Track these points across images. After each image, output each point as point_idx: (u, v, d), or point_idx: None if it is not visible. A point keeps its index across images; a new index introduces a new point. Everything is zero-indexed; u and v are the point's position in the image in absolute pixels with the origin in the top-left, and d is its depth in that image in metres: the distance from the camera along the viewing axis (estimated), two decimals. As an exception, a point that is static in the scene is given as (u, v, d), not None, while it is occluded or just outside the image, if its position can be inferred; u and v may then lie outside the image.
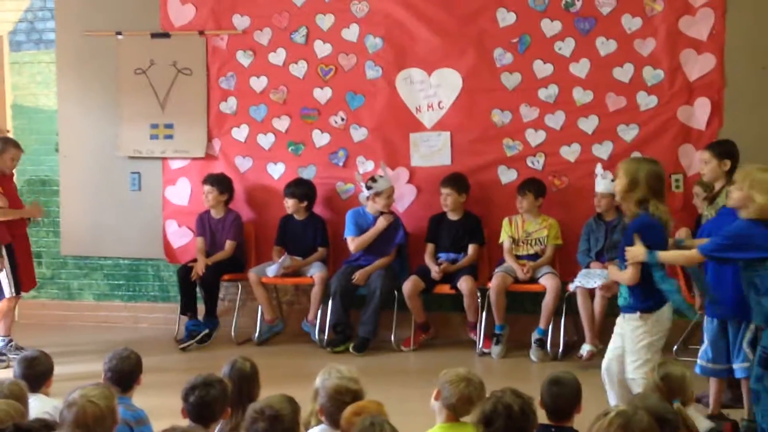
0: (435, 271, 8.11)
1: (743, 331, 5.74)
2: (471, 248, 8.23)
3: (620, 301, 5.43)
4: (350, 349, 8.03)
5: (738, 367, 5.79)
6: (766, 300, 5.11)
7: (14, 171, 8.19)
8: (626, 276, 5.26)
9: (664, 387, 4.21)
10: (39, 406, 4.47)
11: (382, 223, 8.30)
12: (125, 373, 4.76)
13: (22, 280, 7.90)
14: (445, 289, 8.16)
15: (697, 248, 5.27)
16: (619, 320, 5.47)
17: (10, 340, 7.93)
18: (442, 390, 4.21)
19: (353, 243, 8.40)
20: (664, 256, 5.21)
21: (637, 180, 5.26)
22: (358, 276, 8.24)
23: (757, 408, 5.13)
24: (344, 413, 3.92)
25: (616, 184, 5.50)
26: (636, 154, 8.04)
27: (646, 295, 5.25)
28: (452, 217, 8.28)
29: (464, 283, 8.01)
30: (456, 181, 8.23)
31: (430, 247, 8.31)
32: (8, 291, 7.78)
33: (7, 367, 7.43)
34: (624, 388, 5.33)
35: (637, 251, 5.19)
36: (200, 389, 4.11)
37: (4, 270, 7.73)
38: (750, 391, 5.44)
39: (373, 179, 8.35)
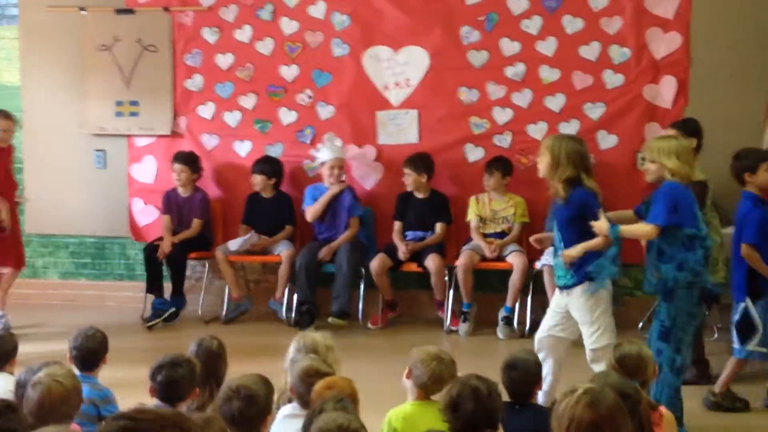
0: (402, 252, 8.11)
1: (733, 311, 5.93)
2: (438, 227, 8.23)
3: (559, 281, 5.53)
4: (329, 320, 7.96)
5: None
6: (665, 268, 5.22)
7: (11, 144, 8.10)
8: (600, 241, 5.33)
9: (621, 369, 4.21)
10: (2, 385, 4.43)
11: (332, 189, 8.27)
12: (91, 352, 4.71)
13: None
14: (413, 267, 8.17)
15: (647, 221, 5.31)
16: (558, 299, 5.57)
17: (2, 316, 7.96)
18: (413, 368, 4.21)
19: (308, 212, 8.40)
20: (625, 230, 5.31)
21: (559, 159, 5.38)
22: (323, 252, 8.22)
23: (657, 381, 5.18)
24: (316, 387, 3.94)
25: (539, 161, 5.56)
26: (602, 133, 8.11)
27: (588, 265, 5.36)
28: (419, 195, 8.27)
29: (431, 262, 8.02)
30: (415, 161, 8.21)
31: (397, 225, 8.31)
32: None
33: None
34: (558, 363, 5.54)
35: (603, 225, 5.28)
36: (167, 369, 4.08)
37: None
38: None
39: (317, 149, 8.37)
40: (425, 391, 4.19)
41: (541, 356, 5.39)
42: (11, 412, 3.22)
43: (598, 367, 5.31)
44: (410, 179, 8.19)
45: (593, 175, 5.50)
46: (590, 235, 5.34)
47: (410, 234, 8.26)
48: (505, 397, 4.08)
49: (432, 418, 3.97)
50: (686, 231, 5.19)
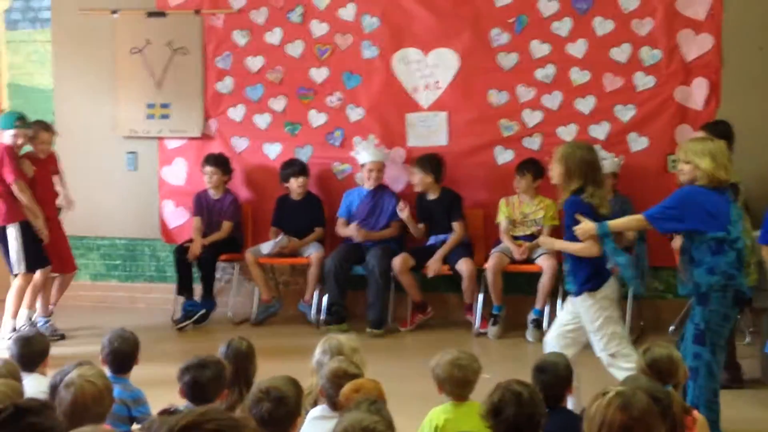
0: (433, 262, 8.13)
1: None
2: (455, 226, 8.20)
3: (567, 287, 5.58)
4: (367, 329, 7.97)
5: None
6: (696, 272, 5.19)
7: (52, 153, 8.16)
8: (580, 247, 5.35)
9: (652, 372, 4.17)
10: (35, 386, 4.45)
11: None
12: (124, 354, 4.74)
13: (40, 258, 7.85)
14: (443, 269, 8.14)
15: (643, 213, 5.33)
16: (569, 301, 5.61)
17: (48, 320, 8.08)
18: (436, 378, 4.29)
19: (340, 225, 8.47)
20: (614, 223, 5.32)
21: (570, 169, 5.39)
22: (359, 233, 8.28)
23: (694, 385, 5.15)
24: (343, 389, 3.97)
25: (552, 170, 5.57)
26: (633, 135, 8.07)
27: (586, 277, 5.38)
28: (430, 196, 8.26)
29: (464, 266, 8.00)
30: (421, 161, 8.19)
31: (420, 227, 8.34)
32: (16, 268, 7.74)
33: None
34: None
35: (586, 227, 5.28)
36: (194, 370, 4.09)
37: (14, 247, 7.70)
38: None
39: (356, 150, 8.43)
40: (456, 396, 4.22)
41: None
42: (49, 410, 3.23)
43: (616, 371, 5.31)
44: (417, 178, 8.19)
45: (602, 185, 5.48)
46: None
47: (432, 239, 8.24)
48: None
49: (474, 420, 3.98)
50: (711, 235, 5.15)
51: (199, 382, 4.08)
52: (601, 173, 5.53)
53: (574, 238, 5.39)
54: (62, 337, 7.97)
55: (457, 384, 4.25)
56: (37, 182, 7.89)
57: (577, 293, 5.44)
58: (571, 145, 5.75)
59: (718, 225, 5.16)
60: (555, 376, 4.29)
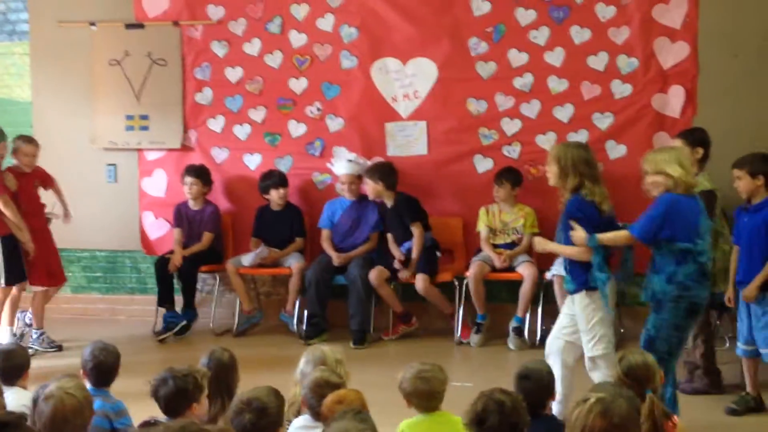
0: (398, 259, 8.16)
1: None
2: (414, 231, 8.13)
3: (566, 285, 5.64)
4: (351, 345, 7.93)
5: (765, 351, 5.99)
6: (656, 278, 5.28)
7: (39, 168, 8.12)
8: (574, 251, 5.43)
9: (630, 379, 4.19)
10: (16, 399, 4.44)
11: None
12: (108, 367, 4.73)
13: (29, 272, 7.86)
14: (411, 279, 8.12)
15: (628, 228, 5.41)
16: (568, 302, 5.66)
17: (43, 332, 8.04)
18: (403, 392, 4.32)
19: (325, 238, 8.47)
20: (603, 237, 5.37)
21: (566, 167, 5.44)
22: (338, 259, 8.25)
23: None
24: (325, 401, 3.98)
25: (548, 171, 5.64)
26: (611, 143, 8.11)
27: (585, 275, 5.44)
28: (388, 204, 8.27)
29: (419, 283, 8.02)
30: (371, 170, 8.21)
31: (390, 236, 8.33)
32: None
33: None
34: (568, 369, 5.56)
35: (579, 234, 5.37)
36: (159, 384, 4.10)
37: None
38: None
39: (331, 162, 8.47)
40: (424, 408, 4.27)
41: (550, 361, 5.42)
42: (25, 423, 3.22)
43: (595, 375, 5.36)
44: (369, 188, 8.21)
45: (600, 182, 5.52)
46: None
47: (406, 245, 8.21)
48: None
49: (444, 430, 3.98)
50: (679, 245, 5.19)
51: (167, 396, 4.08)
52: (598, 170, 5.56)
53: (568, 238, 5.42)
54: (59, 348, 7.96)
55: (423, 397, 4.27)
56: (20, 196, 7.84)
57: (575, 291, 5.47)
58: (564, 145, 5.83)
59: (688, 236, 5.21)
60: (537, 383, 4.28)
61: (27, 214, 7.84)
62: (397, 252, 8.17)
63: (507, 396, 3.64)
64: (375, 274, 8.10)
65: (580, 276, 5.47)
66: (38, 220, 8.01)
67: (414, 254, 8.10)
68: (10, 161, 7.99)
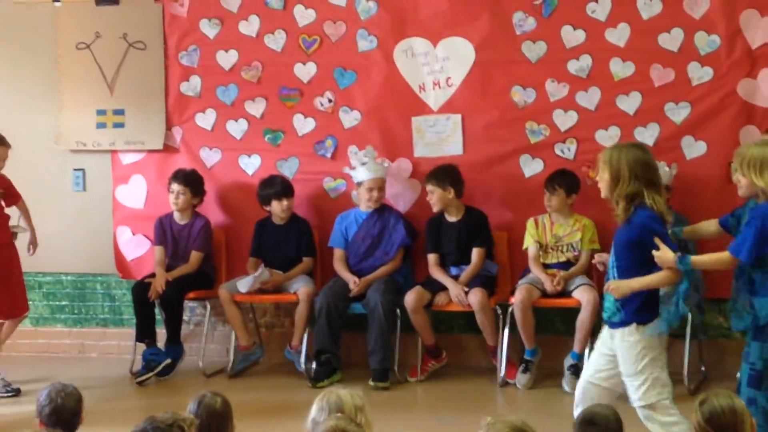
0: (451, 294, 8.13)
1: None
2: (475, 253, 8.21)
3: (607, 315, 5.55)
4: (369, 382, 7.98)
5: None
6: (758, 302, 5.24)
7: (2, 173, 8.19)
8: (663, 277, 5.32)
9: (712, 428, 4.15)
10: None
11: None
12: (67, 411, 4.76)
13: None
14: (455, 305, 8.15)
15: (729, 250, 5.35)
16: (605, 337, 5.58)
17: None
18: None
19: (338, 259, 8.53)
20: (698, 261, 5.36)
21: (619, 172, 5.39)
22: (356, 287, 8.25)
23: None
24: None
25: (598, 179, 5.61)
26: (688, 139, 8.09)
27: (643, 304, 5.37)
28: (450, 218, 8.27)
29: (474, 297, 7.99)
30: (439, 174, 8.21)
31: (432, 258, 8.31)
32: None
33: None
34: None
35: (665, 256, 5.27)
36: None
37: None
38: None
39: (352, 166, 8.47)
40: None
41: (578, 411, 5.39)
42: None
43: (655, 426, 5.32)
44: (435, 197, 8.19)
45: (662, 190, 5.48)
46: (651, 265, 5.34)
47: (454, 270, 8.24)
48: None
49: None
50: None
51: None
52: (659, 174, 5.52)
53: (645, 262, 5.37)
54: (17, 392, 8.00)
55: None
56: None
57: (624, 324, 5.42)
58: (616, 146, 5.76)
59: None
60: (605, 430, 4.27)
61: None
62: (444, 277, 8.18)
63: None
64: (413, 297, 8.11)
65: (633, 305, 5.40)
66: (1, 234, 8.05)
67: (463, 278, 8.14)
68: None
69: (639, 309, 5.37)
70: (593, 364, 5.63)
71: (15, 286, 8.21)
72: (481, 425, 4.33)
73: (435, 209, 8.26)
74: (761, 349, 5.24)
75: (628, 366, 5.39)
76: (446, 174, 8.20)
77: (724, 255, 5.35)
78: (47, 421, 4.73)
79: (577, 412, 5.42)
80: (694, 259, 5.32)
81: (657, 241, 5.31)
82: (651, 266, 5.36)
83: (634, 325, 5.37)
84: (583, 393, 5.57)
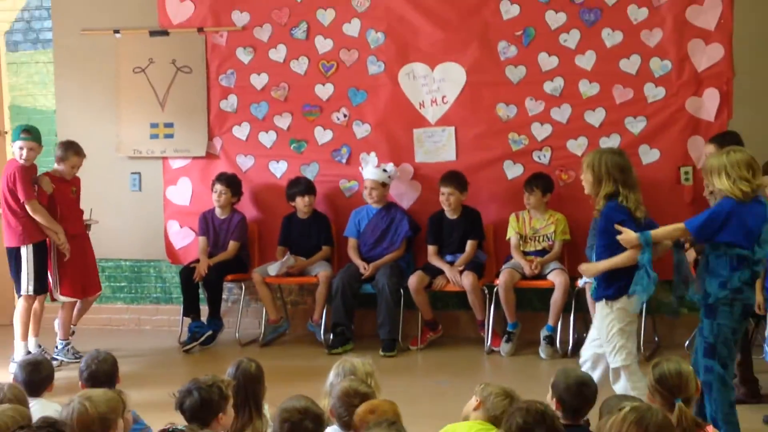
0: (448, 276, 8.12)
1: None
2: (468, 245, 8.19)
3: (591, 292, 5.61)
4: (380, 352, 7.97)
5: None
6: (710, 282, 5.21)
7: (78, 176, 8.19)
8: (625, 258, 5.34)
9: (662, 388, 4.17)
10: (40, 410, 4.47)
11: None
12: (102, 374, 4.79)
13: (64, 283, 7.95)
14: (451, 285, 8.14)
15: (684, 222, 5.33)
16: (596, 310, 5.64)
17: (68, 343, 8.09)
18: (485, 402, 4.25)
19: (351, 247, 8.50)
20: (656, 233, 5.33)
21: (600, 174, 5.41)
22: (368, 268, 8.26)
23: (710, 399, 5.17)
24: (358, 410, 3.99)
25: (583, 180, 5.61)
26: (644, 147, 8.08)
27: (609, 282, 5.43)
28: (451, 215, 8.25)
29: (466, 279, 8.00)
30: (457, 179, 8.19)
31: (431, 248, 8.28)
32: (24, 289, 7.76)
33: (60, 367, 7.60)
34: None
35: (629, 236, 5.30)
36: (184, 396, 4.13)
37: (25, 269, 7.73)
38: None
39: (362, 166, 8.49)
40: (494, 423, 4.26)
41: (586, 367, 5.45)
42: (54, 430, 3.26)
43: (618, 388, 5.34)
44: (453, 198, 8.16)
45: (637, 189, 5.48)
46: (617, 249, 5.36)
47: (449, 257, 8.24)
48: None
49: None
50: (738, 251, 5.15)
51: (190, 408, 4.10)
52: (633, 176, 5.52)
53: (610, 245, 5.38)
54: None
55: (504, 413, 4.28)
56: (57, 200, 7.91)
57: (597, 298, 5.46)
58: (598, 151, 5.75)
59: (749, 243, 5.16)
60: (592, 391, 4.34)
61: (65, 219, 7.92)
62: (444, 265, 8.17)
63: (545, 407, 3.67)
64: (415, 280, 8.11)
65: (605, 283, 5.44)
66: (76, 226, 8.07)
67: (458, 264, 8.13)
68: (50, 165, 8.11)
69: (609, 287, 5.42)
70: (591, 335, 5.68)
71: (90, 270, 8.25)
72: (475, 389, 4.37)
73: (451, 208, 8.18)
74: (711, 326, 5.23)
75: (601, 333, 5.46)
76: (461, 179, 8.19)
77: (678, 225, 5.33)
78: (86, 384, 4.75)
79: (584, 367, 5.50)
80: (654, 232, 5.32)
81: (618, 226, 5.33)
82: (617, 249, 5.38)
83: (604, 300, 5.42)
84: (585, 354, 5.64)
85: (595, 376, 5.42)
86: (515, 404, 3.78)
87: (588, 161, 5.54)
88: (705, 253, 5.30)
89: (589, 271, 5.54)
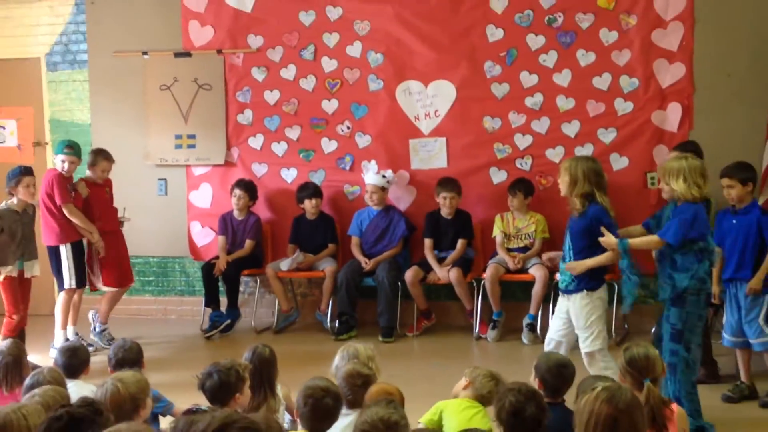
0: (438, 271, 8.11)
1: (759, 307, 5.95)
2: (459, 243, 8.18)
3: (563, 285, 5.57)
4: (380, 338, 7.98)
5: (754, 342, 6.03)
6: (678, 276, 5.21)
7: (110, 178, 8.20)
8: (608, 257, 5.36)
9: (632, 369, 4.20)
10: (78, 391, 4.49)
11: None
12: (128, 362, 4.80)
13: (101, 274, 7.98)
14: (442, 279, 8.12)
15: (657, 235, 5.33)
16: (561, 304, 5.61)
17: (106, 328, 8.14)
18: (474, 382, 4.30)
19: (354, 245, 8.48)
20: (633, 243, 5.33)
21: (576, 177, 5.40)
22: (369, 263, 8.25)
23: (674, 379, 5.19)
24: (371, 389, 4.10)
25: (560, 182, 5.59)
26: (614, 155, 8.08)
27: (591, 276, 5.41)
28: (447, 216, 8.24)
29: (453, 274, 8.00)
30: (456, 184, 8.19)
31: (428, 242, 8.27)
32: (66, 284, 7.77)
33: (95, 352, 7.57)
34: None
35: (610, 240, 5.31)
36: (206, 377, 4.15)
37: (66, 265, 7.74)
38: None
39: (363, 173, 8.48)
40: (480, 401, 4.32)
41: (548, 349, 5.47)
42: (96, 415, 3.26)
43: (593, 370, 5.34)
44: (454, 201, 8.15)
45: (607, 192, 5.49)
46: (598, 247, 5.35)
47: (443, 253, 8.22)
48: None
49: (477, 418, 4.07)
50: (701, 244, 5.17)
51: (210, 388, 4.12)
52: (605, 180, 5.53)
53: (591, 245, 5.39)
54: None
55: (491, 393, 4.30)
56: (92, 202, 7.93)
57: (576, 291, 5.45)
58: (575, 158, 5.76)
59: (706, 235, 5.20)
60: (571, 372, 4.39)
61: (100, 219, 7.95)
62: (433, 262, 8.15)
63: (530, 387, 3.72)
64: (411, 274, 8.12)
65: (584, 277, 5.45)
66: (111, 224, 8.09)
67: (448, 261, 8.12)
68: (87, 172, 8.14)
69: (588, 280, 5.43)
70: (554, 325, 5.67)
71: (123, 263, 8.27)
72: (464, 371, 4.39)
73: (449, 210, 8.15)
74: (679, 313, 5.24)
75: (580, 321, 5.44)
76: (459, 185, 8.18)
77: (654, 238, 5.33)
78: (115, 369, 4.76)
79: (547, 349, 5.49)
80: (631, 241, 5.33)
81: (603, 229, 5.33)
82: (596, 249, 5.39)
83: (584, 292, 5.42)
84: (548, 344, 5.64)
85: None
86: (506, 385, 3.80)
87: (565, 165, 5.54)
88: (667, 253, 5.29)
89: (578, 269, 5.45)
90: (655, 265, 5.50)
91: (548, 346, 5.64)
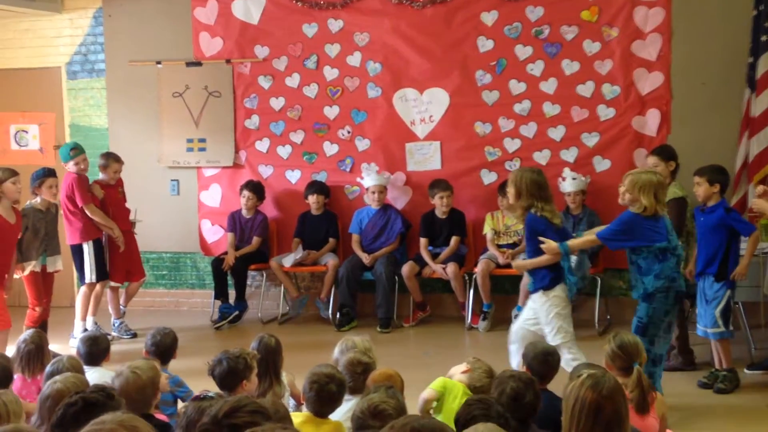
0: (432, 268, 8.10)
1: (718, 300, 5.94)
2: (453, 240, 8.16)
3: (529, 286, 5.60)
4: (378, 329, 7.96)
5: (710, 331, 6.01)
6: (646, 279, 5.22)
7: (121, 178, 8.18)
8: (545, 259, 5.36)
9: (623, 353, 4.20)
10: (98, 377, 4.48)
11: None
12: (164, 346, 4.83)
13: (111, 270, 7.97)
14: (436, 273, 8.12)
15: (596, 234, 5.37)
16: (531, 300, 5.60)
17: (122, 322, 8.15)
18: (473, 372, 4.35)
19: (355, 242, 8.44)
20: (573, 243, 5.35)
21: (520, 189, 5.40)
22: (369, 258, 8.23)
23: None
24: (373, 375, 4.12)
25: (508, 192, 5.61)
26: (597, 158, 8.07)
27: (542, 277, 5.42)
28: (441, 215, 8.22)
29: (449, 269, 7.99)
30: (448, 184, 8.17)
31: (423, 241, 8.24)
32: (88, 278, 7.77)
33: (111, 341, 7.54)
34: None
35: (550, 245, 5.30)
36: (215, 364, 4.15)
37: (88, 261, 7.73)
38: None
39: (362, 177, 8.47)
40: (469, 387, 4.32)
41: (514, 348, 5.45)
42: (109, 399, 3.25)
43: (562, 362, 5.30)
44: (450, 200, 8.12)
45: (550, 201, 5.45)
46: (541, 251, 5.37)
47: (438, 249, 8.20)
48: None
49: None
50: (657, 245, 5.15)
51: (219, 374, 4.11)
52: (548, 191, 5.47)
53: (536, 249, 5.39)
54: (134, 335, 8.02)
55: (483, 384, 4.30)
56: (107, 203, 7.92)
57: (533, 291, 5.46)
58: (521, 170, 5.68)
59: (661, 237, 5.16)
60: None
61: (114, 218, 7.94)
62: (430, 261, 8.13)
63: (528, 375, 3.77)
64: (407, 268, 8.10)
65: (539, 278, 5.44)
66: (124, 223, 8.07)
67: (442, 257, 8.11)
68: (96, 176, 8.13)
69: (543, 280, 5.41)
70: (525, 315, 5.63)
71: (136, 259, 8.26)
72: (468, 359, 4.40)
73: (446, 210, 8.13)
74: (647, 309, 5.24)
75: (542, 318, 5.42)
76: (451, 186, 8.17)
77: (592, 237, 5.37)
78: (150, 351, 4.76)
79: (512, 348, 5.50)
80: (571, 242, 5.33)
81: (540, 238, 5.33)
82: (541, 252, 5.39)
83: (541, 291, 5.40)
84: (516, 333, 5.59)
85: (520, 352, 5.40)
86: (505, 372, 3.81)
87: (512, 177, 5.52)
88: (632, 259, 5.28)
89: (520, 268, 5.70)
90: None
91: (515, 336, 5.56)
